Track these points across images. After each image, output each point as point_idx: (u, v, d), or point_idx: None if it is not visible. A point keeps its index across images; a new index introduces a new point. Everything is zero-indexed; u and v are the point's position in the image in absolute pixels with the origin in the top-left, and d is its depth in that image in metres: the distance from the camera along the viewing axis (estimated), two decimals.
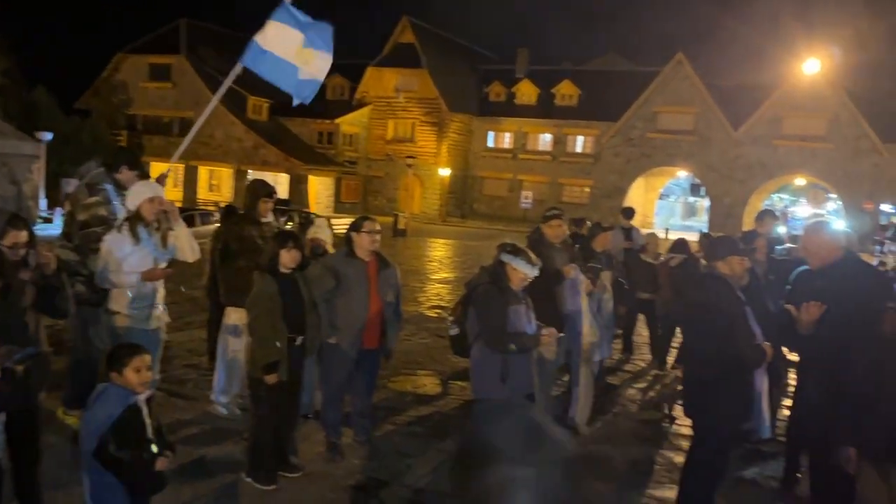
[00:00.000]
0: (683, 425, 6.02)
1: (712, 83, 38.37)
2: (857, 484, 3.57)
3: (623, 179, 39.35)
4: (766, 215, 6.14)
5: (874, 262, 14.53)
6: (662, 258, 8.51)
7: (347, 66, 43.01)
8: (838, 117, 34.66)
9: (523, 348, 4.42)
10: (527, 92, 41.85)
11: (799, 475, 5.07)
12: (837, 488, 3.82)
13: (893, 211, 34.51)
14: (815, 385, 4.18)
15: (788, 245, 8.05)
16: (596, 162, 39.94)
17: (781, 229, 10.73)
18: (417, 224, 32.40)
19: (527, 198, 37.65)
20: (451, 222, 37.49)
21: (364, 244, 5.03)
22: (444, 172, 39.68)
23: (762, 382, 4.48)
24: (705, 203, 42.40)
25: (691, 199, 52.23)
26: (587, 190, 40.39)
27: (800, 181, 40.82)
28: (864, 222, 30.02)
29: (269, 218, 5.83)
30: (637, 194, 40.78)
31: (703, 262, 6.10)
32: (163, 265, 4.76)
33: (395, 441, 5.54)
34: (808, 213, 40.21)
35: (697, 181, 41.48)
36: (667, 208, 49.32)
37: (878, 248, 24.80)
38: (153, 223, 4.71)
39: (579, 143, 40.75)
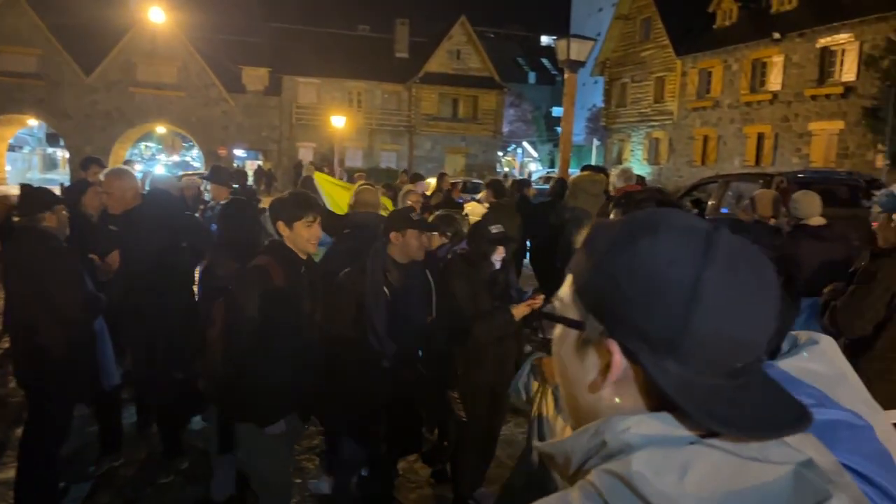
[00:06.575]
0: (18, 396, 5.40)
1: (58, 22, 35.34)
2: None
3: None
4: (93, 163, 6.03)
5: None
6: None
7: None
8: (188, 67, 36.42)
9: None
10: None
11: None
12: None
13: (246, 155, 38.68)
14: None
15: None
16: None
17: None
18: None
19: None
20: None
21: None
22: None
23: (104, 335, 4.43)
24: (67, 154, 39.61)
25: (49, 149, 48.13)
26: None
27: (161, 129, 41.76)
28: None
29: None
30: None
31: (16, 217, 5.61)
32: None
33: None
34: (170, 160, 41.63)
35: (53, 130, 38.29)
36: (22, 161, 44.33)
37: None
38: None
39: None
